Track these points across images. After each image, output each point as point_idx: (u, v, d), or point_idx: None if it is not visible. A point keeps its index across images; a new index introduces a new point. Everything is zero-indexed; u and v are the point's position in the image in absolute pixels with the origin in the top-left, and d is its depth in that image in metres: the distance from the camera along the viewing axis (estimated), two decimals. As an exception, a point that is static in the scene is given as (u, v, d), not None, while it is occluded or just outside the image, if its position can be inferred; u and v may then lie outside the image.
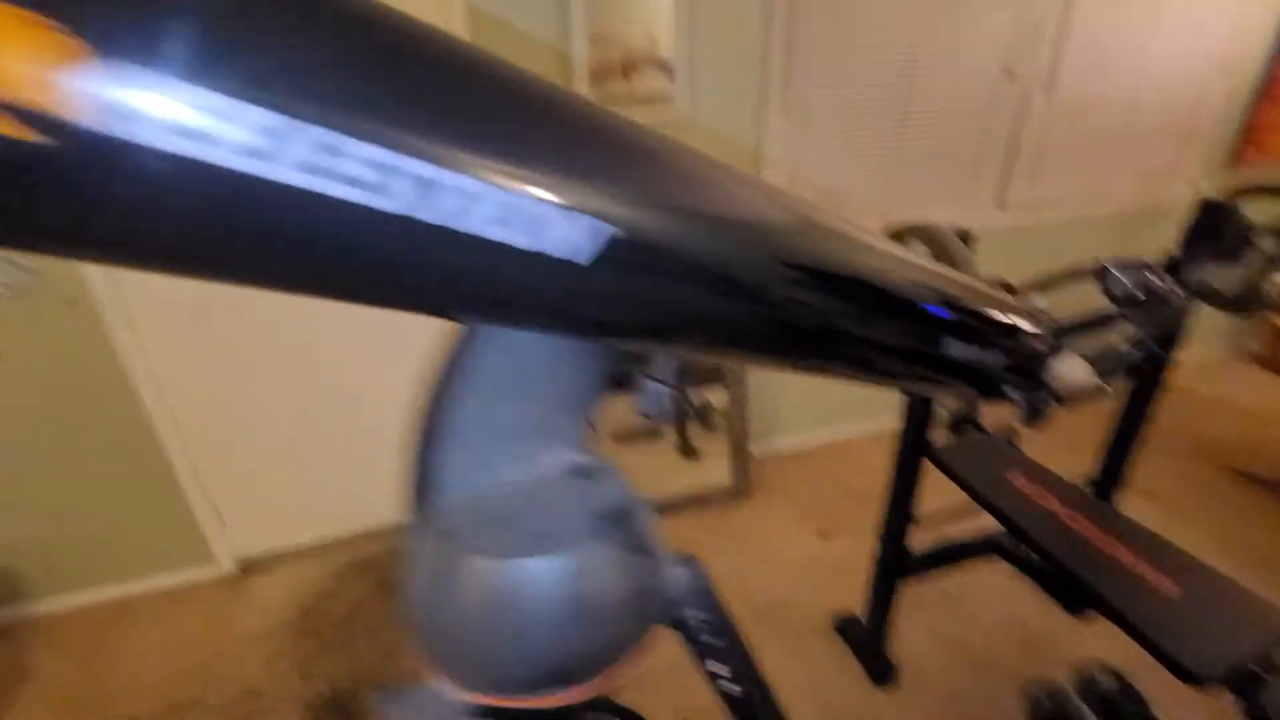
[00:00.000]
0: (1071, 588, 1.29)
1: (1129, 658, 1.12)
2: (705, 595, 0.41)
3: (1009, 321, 0.50)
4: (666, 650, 1.66)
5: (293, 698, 1.62)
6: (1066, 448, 1.77)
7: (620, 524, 0.33)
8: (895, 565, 1.49)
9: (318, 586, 1.97)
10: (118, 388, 1.72)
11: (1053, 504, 1.38)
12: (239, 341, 1.79)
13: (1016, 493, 1.42)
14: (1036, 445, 1.69)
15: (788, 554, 2.03)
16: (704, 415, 2.27)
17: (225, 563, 2.01)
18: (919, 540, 1.60)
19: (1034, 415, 0.51)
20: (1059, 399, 0.52)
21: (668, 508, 2.21)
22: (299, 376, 1.88)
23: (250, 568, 2.04)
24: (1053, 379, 0.52)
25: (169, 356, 1.74)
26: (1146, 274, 0.51)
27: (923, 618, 1.77)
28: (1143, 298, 0.51)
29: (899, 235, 1.03)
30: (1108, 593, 1.16)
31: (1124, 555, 1.23)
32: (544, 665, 0.32)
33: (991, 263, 1.72)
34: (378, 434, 1.87)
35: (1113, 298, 0.53)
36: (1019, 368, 0.51)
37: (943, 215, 2.32)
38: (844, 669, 1.64)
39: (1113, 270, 0.53)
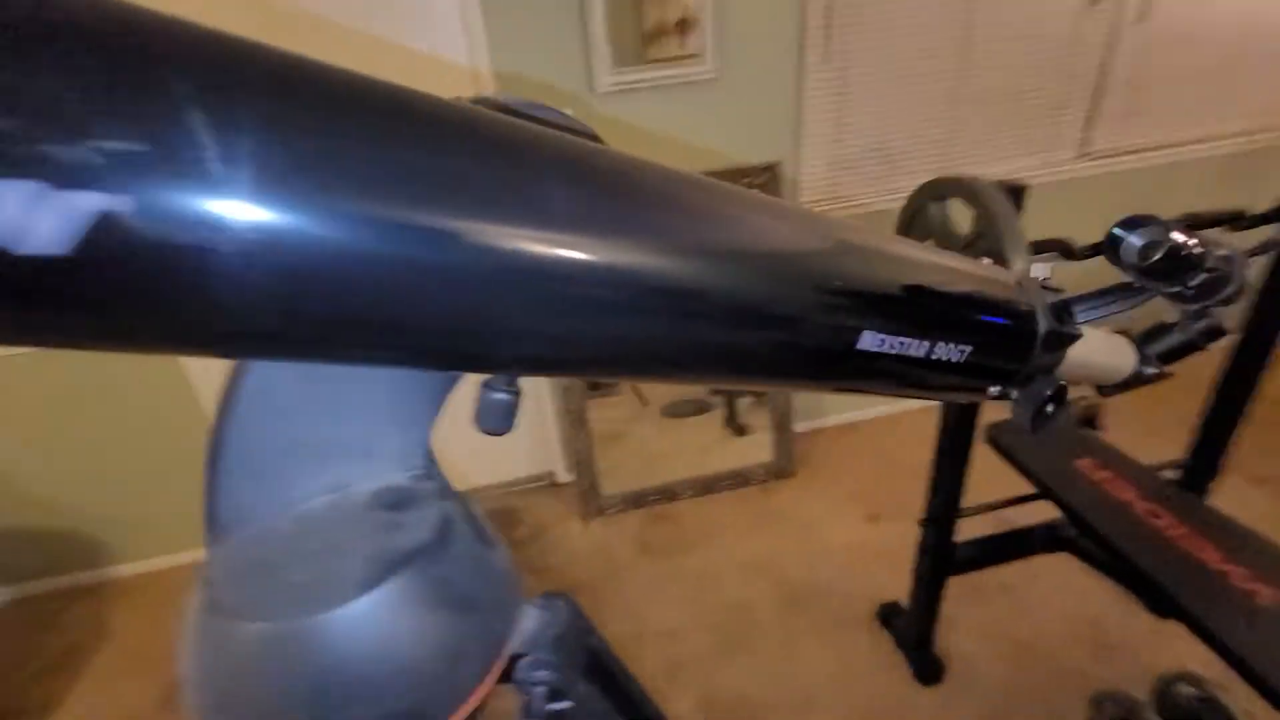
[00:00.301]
0: (1147, 589, 1.13)
1: (1221, 669, 0.97)
2: (559, 649, 0.32)
3: (1002, 300, 0.39)
4: (692, 641, 1.61)
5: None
6: (1160, 430, 1.56)
7: (422, 568, 0.26)
8: (940, 557, 1.36)
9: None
10: (172, 370, 1.80)
11: (1128, 494, 1.21)
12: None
13: (1085, 481, 1.26)
14: (1126, 426, 1.49)
15: (831, 537, 1.92)
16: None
17: (279, 532, 2.10)
18: (974, 526, 1.46)
19: (1039, 415, 0.40)
20: (1056, 396, 0.40)
21: (708, 486, 2.14)
22: None
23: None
24: (1060, 365, 0.41)
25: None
26: (1169, 234, 0.38)
27: (977, 611, 1.62)
28: (1160, 263, 0.38)
29: (934, 193, 0.91)
30: (1187, 598, 1.00)
31: (1211, 555, 1.06)
32: None
33: (1069, 220, 1.52)
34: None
35: (1127, 267, 0.40)
36: (1005, 356, 0.40)
37: (1010, 169, 2.08)
38: (886, 663, 1.54)
39: (1122, 234, 0.40)
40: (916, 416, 2.39)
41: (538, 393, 2.06)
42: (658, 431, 2.25)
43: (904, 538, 1.81)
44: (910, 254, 0.37)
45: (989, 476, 1.37)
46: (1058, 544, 1.42)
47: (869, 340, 0.33)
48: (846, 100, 1.87)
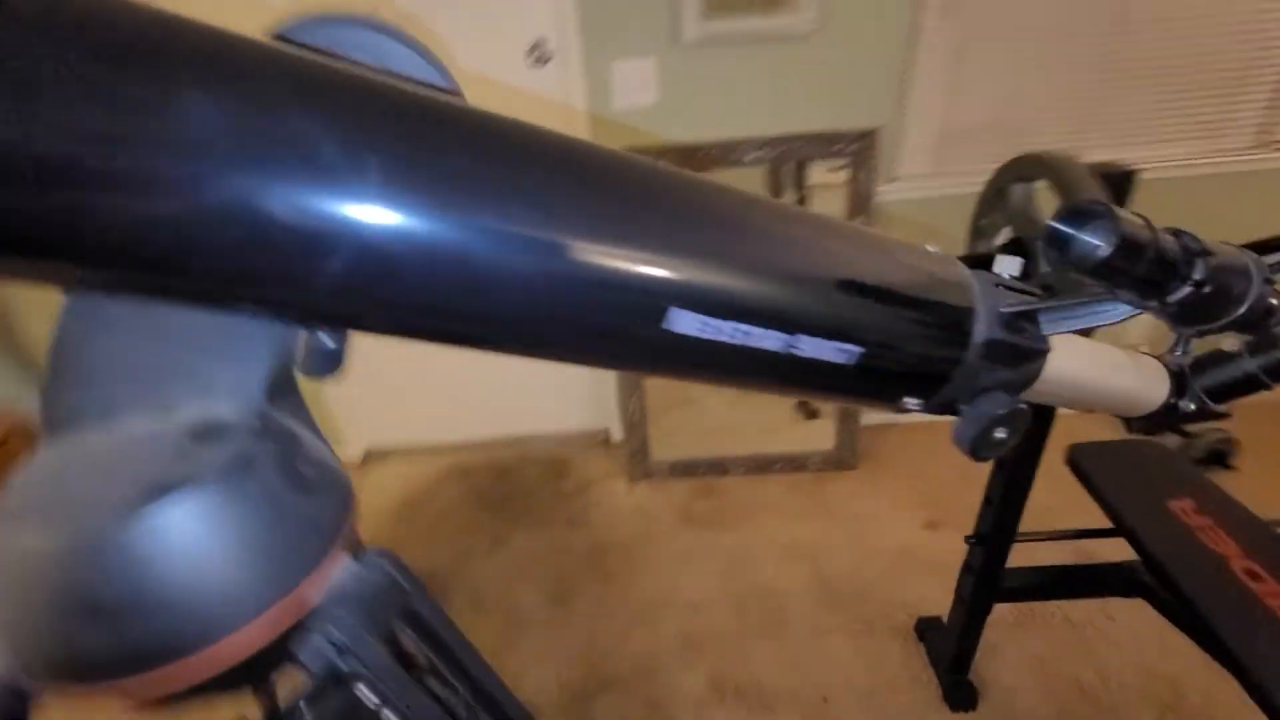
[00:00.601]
0: (1227, 661, 0.96)
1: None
2: (362, 609, 0.29)
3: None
4: (715, 617, 1.58)
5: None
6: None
7: (182, 501, 0.25)
8: (985, 581, 1.23)
9: (421, 484, 2.16)
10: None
11: (1227, 548, 1.04)
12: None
13: (1177, 525, 1.09)
14: (1266, 471, 1.24)
15: (882, 538, 1.80)
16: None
17: (355, 449, 2.27)
18: (1043, 553, 1.31)
19: (981, 440, 0.32)
20: (1009, 420, 0.32)
21: (761, 466, 2.07)
22: None
23: (373, 457, 2.30)
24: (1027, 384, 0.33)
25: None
26: (1124, 230, 0.27)
27: (1033, 642, 1.48)
28: (1109, 267, 0.28)
29: (1018, 172, 0.80)
30: (1273, 682, 0.84)
31: (1318, 637, 0.88)
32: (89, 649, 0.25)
33: (1241, 221, 1.27)
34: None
35: (1078, 272, 0.30)
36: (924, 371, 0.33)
37: (1167, 155, 1.78)
38: (915, 679, 1.44)
39: (1067, 231, 0.29)
40: (1006, 424, 2.17)
41: (599, 349, 2.06)
42: (727, 402, 2.19)
43: (961, 551, 1.67)
44: (773, 218, 0.30)
45: (1075, 499, 1.22)
46: (1134, 589, 1.24)
47: (683, 322, 0.27)
48: (966, 62, 1.66)
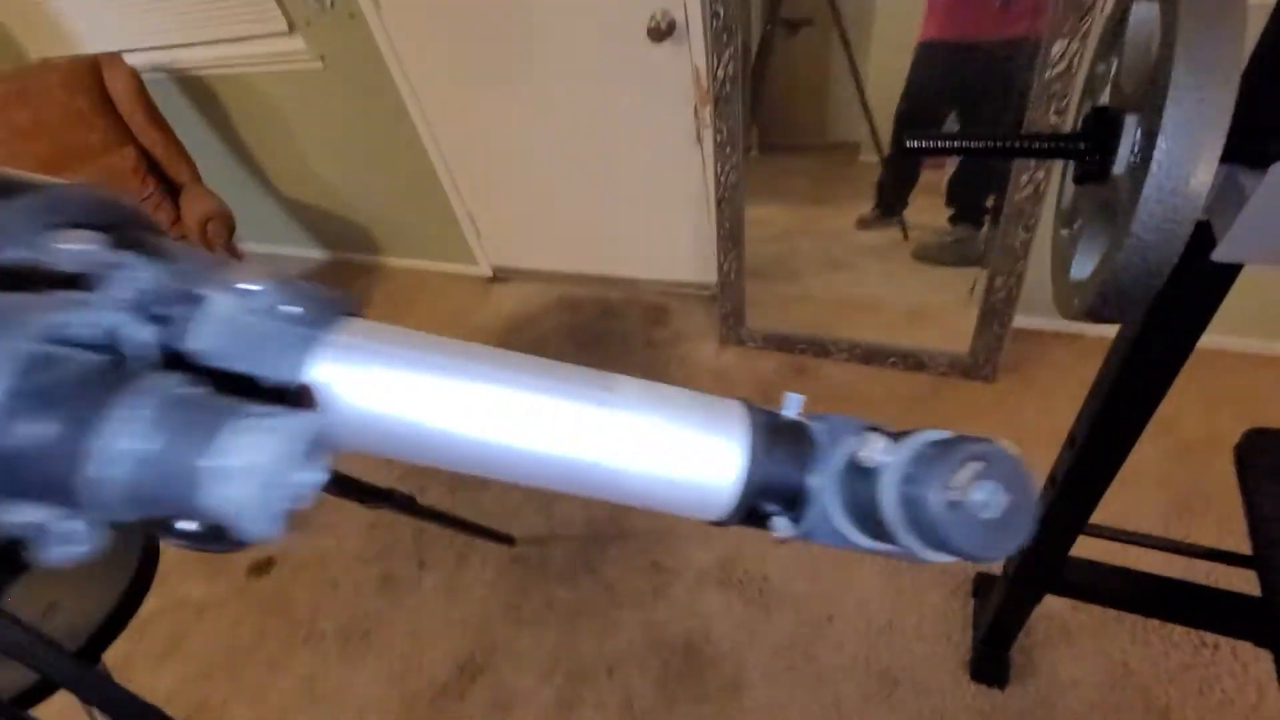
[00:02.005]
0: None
1: None
2: None
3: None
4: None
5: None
6: None
7: None
8: (1036, 569, 0.95)
9: (528, 310, 2.27)
10: (394, 97, 2.03)
11: None
12: (490, 68, 1.88)
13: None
14: None
15: (986, 471, 1.48)
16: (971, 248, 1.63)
17: (484, 266, 2.43)
18: (1142, 556, 0.97)
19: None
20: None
21: (870, 356, 1.78)
22: (554, 123, 1.92)
23: (500, 275, 2.44)
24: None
25: (422, 69, 1.95)
26: None
27: (1125, 645, 1.16)
28: None
29: None
30: None
31: None
32: None
33: None
34: (618, 188, 1.88)
35: None
36: None
37: None
38: (944, 634, 1.24)
39: None
40: (1228, 353, 1.55)
41: (707, 197, 1.83)
42: (886, 273, 1.87)
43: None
44: None
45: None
46: (1266, 638, 0.87)
47: None
48: None
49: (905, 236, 1.90)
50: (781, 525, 0.25)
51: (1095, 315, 0.48)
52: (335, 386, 0.21)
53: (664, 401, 0.25)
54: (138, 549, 0.56)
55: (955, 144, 0.54)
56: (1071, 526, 0.86)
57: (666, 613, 1.36)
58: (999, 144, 0.52)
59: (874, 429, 0.26)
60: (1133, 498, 1.37)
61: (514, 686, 1.30)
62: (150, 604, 1.62)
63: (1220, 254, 0.49)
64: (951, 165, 1.79)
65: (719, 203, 1.67)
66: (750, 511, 0.25)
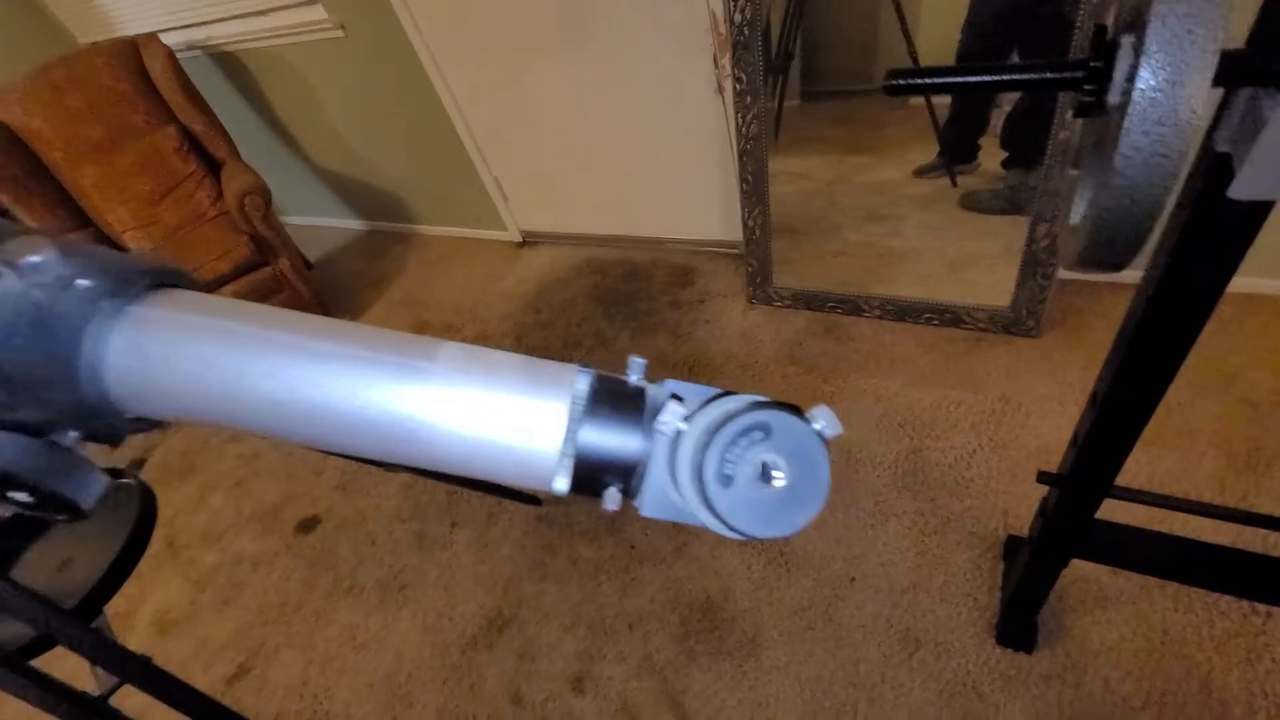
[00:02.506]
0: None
1: None
2: None
3: None
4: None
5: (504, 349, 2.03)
6: None
7: None
8: (1060, 531, 0.90)
9: (557, 273, 2.26)
10: (414, 64, 2.02)
11: None
12: (507, 31, 1.84)
13: None
14: None
15: (1028, 429, 1.41)
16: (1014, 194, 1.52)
17: (514, 232, 2.43)
18: (1185, 523, 0.91)
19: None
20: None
21: (903, 312, 1.70)
22: (574, 83, 1.88)
23: (529, 240, 2.44)
24: None
25: (440, 35, 1.93)
26: None
27: (1166, 612, 1.10)
28: None
29: None
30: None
31: None
32: None
33: None
34: (641, 147, 1.85)
35: None
36: None
37: None
38: (969, 596, 1.21)
39: None
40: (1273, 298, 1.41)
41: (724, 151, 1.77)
42: (928, 224, 1.78)
43: (1134, 475, 1.25)
44: None
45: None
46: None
47: None
48: None
49: (954, 184, 1.79)
50: (611, 496, 0.24)
51: (1086, 263, 0.44)
52: (133, 357, 0.21)
53: (486, 368, 0.24)
54: (135, 512, 0.60)
55: (939, 80, 0.49)
56: (1096, 489, 0.81)
57: (687, 571, 1.37)
58: (985, 78, 0.47)
59: (722, 396, 0.24)
60: (1186, 457, 1.28)
61: (539, 639, 1.35)
62: (210, 558, 1.75)
63: (1237, 190, 0.43)
64: (1008, 103, 1.66)
65: (741, 155, 1.61)
66: (587, 480, 0.24)
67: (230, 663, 1.50)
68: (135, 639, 1.62)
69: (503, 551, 1.52)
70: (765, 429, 0.20)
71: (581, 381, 0.24)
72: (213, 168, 2.26)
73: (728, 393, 0.24)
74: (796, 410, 0.22)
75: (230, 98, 2.49)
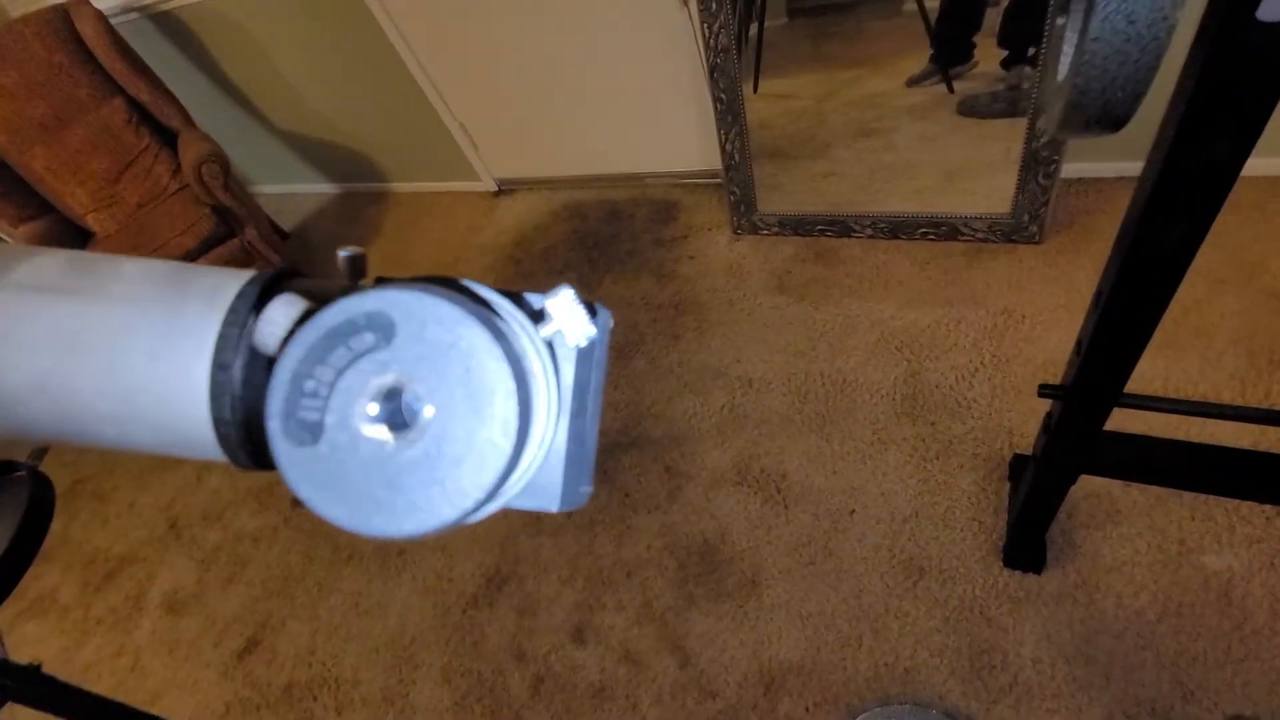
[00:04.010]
0: None
1: None
2: None
3: None
4: (770, 400, 1.45)
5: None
6: None
7: None
8: (1066, 450, 0.84)
9: (535, 220, 2.16)
10: (363, 11, 1.88)
11: None
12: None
13: None
14: None
15: (1032, 341, 1.34)
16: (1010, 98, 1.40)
17: (488, 181, 2.32)
18: (1202, 427, 0.84)
19: None
20: None
21: (897, 229, 1.60)
22: (531, 14, 1.74)
23: (505, 188, 2.33)
24: None
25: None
26: None
27: (1156, 506, 1.05)
28: None
29: None
30: None
31: None
32: None
33: None
34: (608, 76, 1.73)
35: None
36: None
37: None
38: (975, 519, 1.16)
39: None
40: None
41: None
42: (923, 134, 1.65)
43: (1145, 382, 1.18)
44: None
45: None
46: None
47: None
48: None
49: (950, 89, 1.66)
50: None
51: (1071, 126, 0.36)
52: None
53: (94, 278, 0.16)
54: (23, 506, 0.55)
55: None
56: (1103, 400, 0.74)
57: (682, 515, 1.33)
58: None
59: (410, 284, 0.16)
60: (1204, 358, 1.20)
61: (538, 594, 1.33)
62: (213, 537, 1.74)
63: (1269, 9, 0.34)
64: (1005, -1, 1.50)
65: (711, 72, 1.48)
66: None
67: (240, 636, 1.51)
68: (148, 621, 1.63)
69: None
70: (383, 327, 0.12)
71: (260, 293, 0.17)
72: (169, 140, 2.16)
73: (439, 279, 0.16)
74: (501, 296, 0.14)
75: (177, 62, 2.36)
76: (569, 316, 0.15)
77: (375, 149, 2.45)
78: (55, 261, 0.17)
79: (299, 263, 2.33)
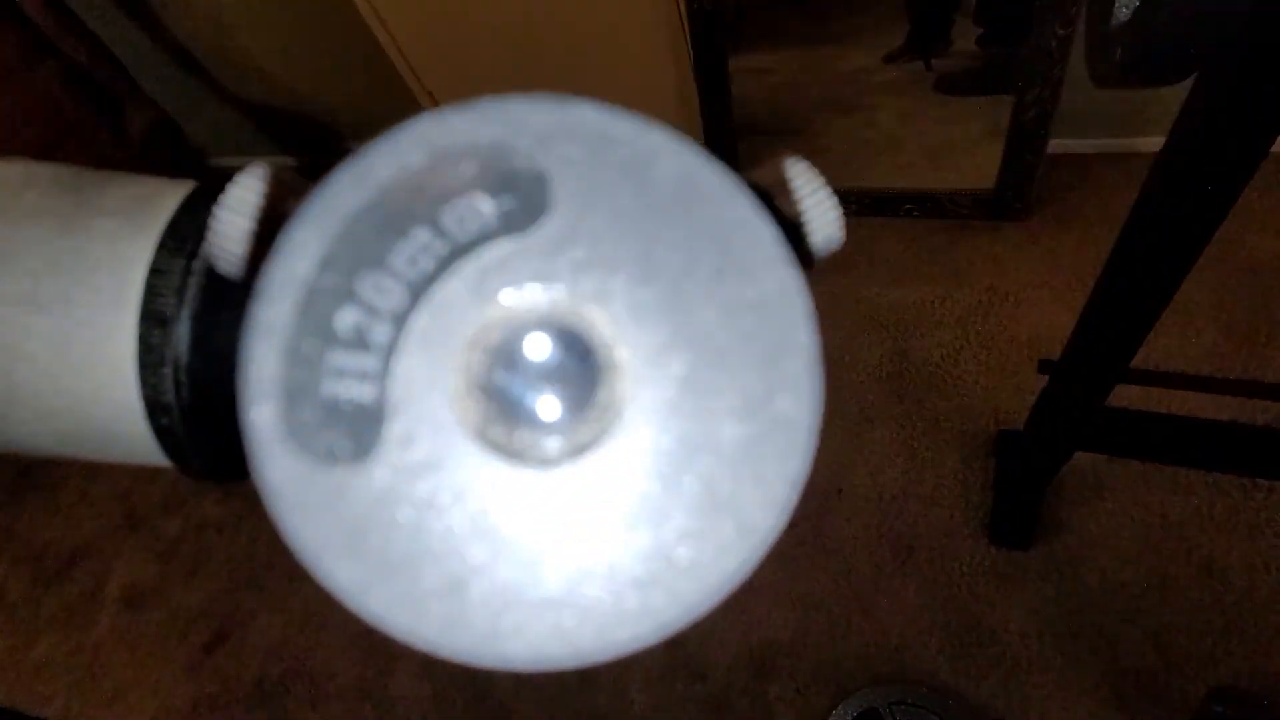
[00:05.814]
0: None
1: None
2: None
3: None
4: None
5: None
6: None
7: None
8: (1061, 427, 0.83)
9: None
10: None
11: None
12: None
13: None
14: None
15: (1019, 319, 1.33)
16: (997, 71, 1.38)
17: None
18: (1183, 401, 0.84)
19: None
20: None
21: (881, 206, 1.58)
22: None
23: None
24: None
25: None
26: None
27: (1165, 497, 1.06)
28: None
29: None
30: None
31: None
32: None
33: None
34: (587, 62, 1.67)
35: None
36: None
37: None
38: (963, 499, 1.16)
39: None
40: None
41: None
42: (904, 110, 1.62)
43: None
44: None
45: None
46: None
47: None
48: None
49: (928, 67, 1.63)
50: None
51: (1139, 68, 0.32)
52: None
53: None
54: None
55: None
56: (1108, 375, 0.73)
57: (668, 498, 1.31)
58: None
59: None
60: (1183, 334, 1.21)
61: (520, 580, 1.29)
62: (174, 527, 1.66)
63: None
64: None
65: (692, 44, 1.43)
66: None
67: (206, 630, 1.44)
68: (105, 616, 1.55)
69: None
70: (520, 184, 0.07)
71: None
72: (113, 108, 2.01)
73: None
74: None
75: (119, 21, 2.20)
76: (816, 202, 0.09)
77: (338, 121, 2.33)
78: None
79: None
